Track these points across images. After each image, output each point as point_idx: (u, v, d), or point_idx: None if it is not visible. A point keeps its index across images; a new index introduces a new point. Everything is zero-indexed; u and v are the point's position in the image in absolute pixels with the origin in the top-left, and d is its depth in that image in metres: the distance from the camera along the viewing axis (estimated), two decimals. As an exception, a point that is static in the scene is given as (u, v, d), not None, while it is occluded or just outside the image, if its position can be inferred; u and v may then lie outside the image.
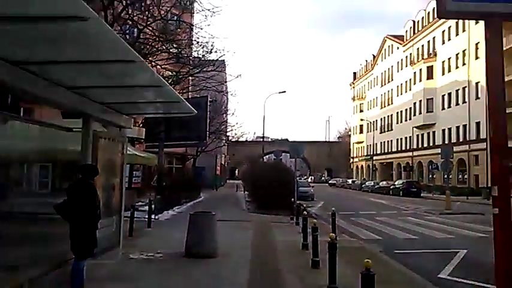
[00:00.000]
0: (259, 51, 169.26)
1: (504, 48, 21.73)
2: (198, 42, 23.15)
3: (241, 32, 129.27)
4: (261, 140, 47.84)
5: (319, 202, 27.68)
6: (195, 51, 25.95)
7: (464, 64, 44.64)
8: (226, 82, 29.94)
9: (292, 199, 16.79)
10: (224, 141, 53.17)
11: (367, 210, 22.17)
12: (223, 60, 25.89)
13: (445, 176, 38.86)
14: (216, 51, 23.06)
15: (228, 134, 51.50)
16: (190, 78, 27.77)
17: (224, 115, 45.15)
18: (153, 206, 16.18)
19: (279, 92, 39.79)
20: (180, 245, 8.54)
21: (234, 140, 63.12)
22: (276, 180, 18.88)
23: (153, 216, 15.17)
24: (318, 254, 7.43)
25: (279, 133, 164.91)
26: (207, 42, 21.67)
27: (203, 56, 24.69)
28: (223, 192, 39.75)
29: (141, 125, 25.66)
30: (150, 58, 21.24)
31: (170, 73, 24.83)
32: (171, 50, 24.12)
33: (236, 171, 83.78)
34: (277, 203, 19.10)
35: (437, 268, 7.97)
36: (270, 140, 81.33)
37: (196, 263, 7.71)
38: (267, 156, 55.43)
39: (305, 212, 11.45)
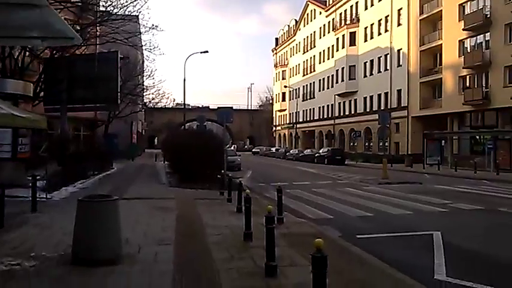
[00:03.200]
0: (178, 7, 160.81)
1: (423, 16, 20.93)
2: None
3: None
4: (182, 107, 44.46)
5: (247, 172, 25.66)
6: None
7: (386, 31, 44.53)
8: (140, 34, 26.05)
9: (222, 171, 14.35)
10: (140, 106, 48.89)
11: (300, 180, 20.47)
12: (137, 13, 22.17)
13: (381, 144, 38.95)
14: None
15: (144, 98, 47.30)
16: (97, 28, 23.66)
17: (139, 76, 40.93)
18: (44, 181, 12.83)
19: (201, 52, 36.37)
20: (71, 241, 5.74)
21: (151, 106, 58.85)
22: (203, 149, 16.26)
23: (43, 196, 11.86)
24: (275, 255, 5.07)
25: (199, 101, 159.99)
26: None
27: (112, 2, 20.84)
28: (140, 162, 36.21)
29: (37, 83, 21.41)
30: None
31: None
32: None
33: (155, 140, 79.35)
34: (204, 174, 16.58)
35: (424, 263, 6.07)
36: (190, 107, 77.72)
37: (85, 277, 4.96)
38: (189, 124, 52.18)
39: (244, 187, 9.07)
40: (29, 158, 14.54)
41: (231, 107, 16.30)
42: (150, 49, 24.74)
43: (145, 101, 50.60)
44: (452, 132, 34.32)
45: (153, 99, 48.65)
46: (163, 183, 17.66)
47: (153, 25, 24.64)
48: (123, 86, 35.46)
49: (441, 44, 35.66)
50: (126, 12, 20.85)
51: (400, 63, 41.91)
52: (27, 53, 21.02)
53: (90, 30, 22.90)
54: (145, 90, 44.56)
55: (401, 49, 41.75)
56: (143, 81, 44.73)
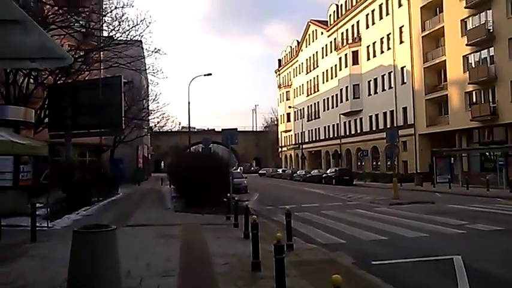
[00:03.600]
0: (181, 32, 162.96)
1: (425, 33, 20.50)
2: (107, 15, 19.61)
3: (162, 10, 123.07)
4: (187, 130, 44.47)
5: (254, 194, 25.21)
6: (106, 24, 22.04)
7: (389, 48, 44.48)
8: (143, 59, 26.06)
9: (228, 195, 13.98)
10: (146, 130, 48.84)
11: (308, 202, 20.00)
12: (140, 38, 22.24)
13: (389, 163, 38.35)
14: (131, 24, 19.57)
15: (150, 122, 47.29)
16: (100, 54, 23.72)
17: (144, 101, 40.97)
18: (47, 209, 12.51)
19: (205, 75, 36.47)
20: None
21: (157, 130, 58.92)
22: (208, 172, 15.93)
23: (45, 224, 11.53)
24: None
25: (205, 124, 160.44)
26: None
27: (114, 27, 20.89)
28: (146, 187, 35.87)
29: (41, 109, 21.31)
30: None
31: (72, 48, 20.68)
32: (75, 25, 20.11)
33: (162, 164, 79.15)
34: (210, 198, 16.20)
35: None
36: (196, 130, 77.82)
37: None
38: (194, 147, 52.01)
39: (251, 211, 8.68)
40: (31, 185, 14.25)
41: (236, 129, 16.04)
42: (154, 73, 24.65)
43: (150, 125, 50.65)
44: (461, 150, 33.76)
45: (158, 123, 48.69)
46: (168, 208, 17.28)
47: (155, 49, 24.66)
48: (128, 111, 35.49)
49: (445, 60, 35.45)
50: (129, 37, 20.83)
51: (405, 81, 41.69)
52: (31, 80, 21.04)
53: (93, 55, 22.96)
54: (150, 114, 44.60)
55: (404, 66, 41.60)
56: (148, 105, 44.81)
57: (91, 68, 24.72)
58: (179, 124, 75.73)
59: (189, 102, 37.05)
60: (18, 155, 12.62)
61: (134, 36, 20.54)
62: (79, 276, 5.05)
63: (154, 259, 7.39)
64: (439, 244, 9.25)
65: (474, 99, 32.63)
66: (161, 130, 62.51)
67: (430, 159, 37.39)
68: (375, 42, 47.19)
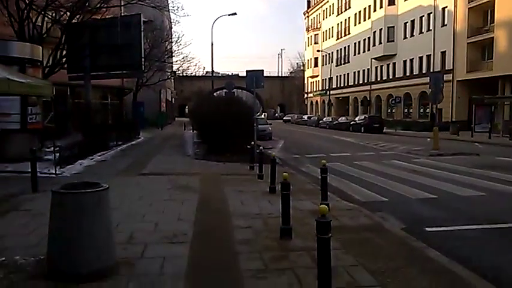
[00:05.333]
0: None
1: None
2: None
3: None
4: (211, 74, 42.90)
5: (279, 142, 23.91)
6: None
7: (430, -13, 40.71)
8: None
9: (252, 142, 12.69)
10: (169, 74, 47.51)
11: (338, 151, 18.58)
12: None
13: (422, 111, 35.89)
14: None
15: (173, 65, 45.79)
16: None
17: (167, 43, 39.25)
18: (54, 155, 11.57)
19: (229, 15, 34.22)
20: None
21: (180, 74, 57.56)
22: (231, 117, 14.62)
23: (54, 171, 10.59)
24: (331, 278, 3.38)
25: (229, 69, 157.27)
26: None
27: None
28: (169, 131, 35.04)
29: (57, 50, 20.19)
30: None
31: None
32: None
33: (186, 109, 78.49)
34: (233, 145, 15.01)
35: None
36: (220, 75, 76.05)
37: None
38: (218, 92, 50.65)
39: (278, 161, 7.38)
40: (41, 128, 13.28)
41: (262, 70, 14.38)
42: (174, 10, 22.88)
43: (174, 69, 49.25)
44: (504, 97, 31.15)
45: (181, 66, 47.15)
46: (189, 154, 16.22)
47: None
48: (150, 53, 34.09)
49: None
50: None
51: (445, 23, 38.35)
52: (47, 18, 19.79)
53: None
54: (173, 57, 43.03)
55: (446, 7, 38.09)
56: (171, 48, 43.17)
57: (109, 6, 23.21)
58: (203, 69, 74.11)
59: (212, 44, 35.43)
60: (25, 96, 11.53)
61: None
62: (59, 249, 3.91)
63: (165, 218, 6.26)
64: (501, 206, 7.80)
65: (525, 42, 29.60)
66: (185, 74, 61.08)
67: (467, 108, 35.06)
68: (415, -21, 43.27)
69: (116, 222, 5.82)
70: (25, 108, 12.24)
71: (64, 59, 21.28)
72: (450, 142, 22.99)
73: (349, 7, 58.79)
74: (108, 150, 16.74)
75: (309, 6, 77.03)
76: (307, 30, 75.61)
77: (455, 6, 36.52)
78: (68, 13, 19.52)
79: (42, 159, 12.07)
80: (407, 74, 44.05)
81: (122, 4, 22.60)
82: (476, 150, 18.49)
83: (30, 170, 10.61)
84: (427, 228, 6.12)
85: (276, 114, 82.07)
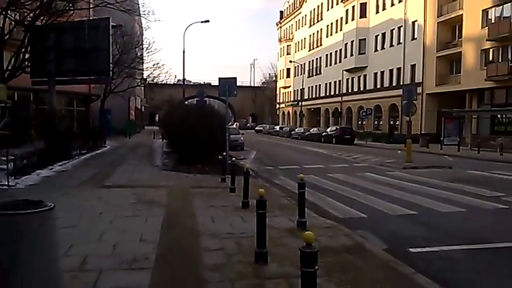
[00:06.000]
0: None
1: None
2: None
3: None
4: (182, 82, 42.12)
5: (251, 152, 23.43)
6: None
7: (400, 1, 41.47)
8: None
9: (224, 153, 12.14)
10: (139, 81, 46.41)
11: (311, 162, 18.24)
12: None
13: (392, 122, 35.92)
14: None
15: (143, 72, 44.74)
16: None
17: (137, 49, 38.30)
18: (14, 163, 10.67)
19: (201, 22, 33.70)
20: None
21: (151, 81, 56.50)
22: (202, 126, 14.04)
23: (7, 182, 9.70)
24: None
25: (201, 78, 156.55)
26: None
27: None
28: (137, 140, 34.00)
29: (19, 52, 19.14)
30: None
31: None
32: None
33: (156, 117, 77.09)
34: (204, 155, 14.43)
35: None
36: (192, 83, 75.20)
37: None
38: (189, 100, 49.85)
39: (250, 172, 6.86)
40: (4, 136, 12.28)
41: (235, 78, 13.91)
42: (144, 14, 22.22)
43: (144, 76, 48.16)
44: (472, 111, 31.84)
45: (151, 73, 46.17)
46: (156, 165, 15.47)
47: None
48: (120, 59, 33.10)
49: (462, 15, 32.80)
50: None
51: (415, 36, 39.11)
52: (9, 19, 18.77)
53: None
54: (143, 63, 42.04)
55: (416, 21, 38.87)
56: (142, 54, 42.20)
57: (76, 8, 22.32)
58: (175, 77, 73.18)
59: (184, 51, 34.60)
60: (-23, 99, 10.59)
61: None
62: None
63: (125, 238, 5.60)
64: (483, 223, 7.53)
65: (491, 58, 30.36)
66: (156, 82, 60.03)
67: (436, 120, 35.65)
68: (386, -6, 44.09)
69: (69, 243, 5.18)
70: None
71: (27, 63, 20.24)
72: (421, 154, 23.10)
73: (321, 19, 59.37)
74: (70, 160, 15.79)
75: (281, 17, 77.48)
76: (280, 41, 75.94)
77: (424, 20, 37.28)
78: (32, 14, 18.58)
79: (-5, 169, 11.14)
80: (378, 86, 44.62)
81: (90, 7, 21.72)
82: (447, 163, 18.54)
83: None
84: (410, 249, 5.72)
85: (248, 125, 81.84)
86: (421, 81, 37.67)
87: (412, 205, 8.70)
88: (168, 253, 5.04)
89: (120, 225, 6.31)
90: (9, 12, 18.34)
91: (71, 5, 20.82)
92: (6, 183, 9.56)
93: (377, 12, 45.58)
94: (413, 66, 39.27)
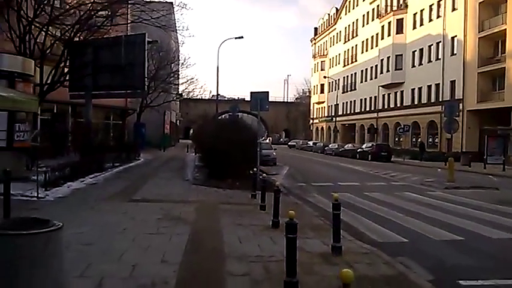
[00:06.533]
0: None
1: None
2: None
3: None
4: (216, 98, 42.37)
5: (284, 168, 22.94)
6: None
7: (439, 16, 40.37)
8: (173, 14, 23.96)
9: (255, 168, 11.75)
10: (174, 96, 47.06)
11: (346, 179, 17.56)
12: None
13: (430, 140, 34.94)
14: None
15: (178, 87, 45.38)
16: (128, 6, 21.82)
17: (173, 65, 38.86)
18: (46, 175, 10.68)
19: (236, 38, 33.75)
20: None
21: (186, 96, 57.43)
22: (234, 140, 13.73)
23: (36, 194, 9.65)
24: None
25: (234, 93, 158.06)
26: None
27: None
28: (171, 153, 34.20)
29: (57, 67, 19.64)
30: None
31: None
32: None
33: (191, 131, 78.04)
34: (235, 170, 14.07)
35: None
36: (226, 99, 75.86)
37: None
38: (223, 115, 50.10)
39: (282, 190, 6.41)
40: (30, 147, 12.41)
41: (267, 92, 13.58)
42: (179, 30, 22.45)
43: (179, 91, 48.92)
44: (519, 129, 30.16)
45: (186, 88, 46.81)
46: (187, 179, 15.24)
47: (181, 2, 22.54)
48: (156, 74, 33.63)
49: (505, 30, 31.44)
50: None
51: (455, 52, 37.80)
52: (49, 34, 19.36)
53: (118, 9, 21.02)
54: (178, 78, 42.68)
55: (455, 36, 37.62)
56: (177, 69, 42.85)
57: (114, 23, 22.85)
58: (210, 93, 74.29)
59: (218, 67, 34.76)
60: (12, 111, 10.71)
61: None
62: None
63: (146, 259, 5.26)
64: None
65: (538, 73, 28.83)
66: (191, 97, 61.01)
67: (477, 138, 34.08)
68: (423, 9, 43.02)
69: (86, 263, 4.87)
70: (12, 125, 11.39)
71: (65, 77, 20.73)
72: (463, 174, 21.89)
73: (356, 35, 58.73)
74: (103, 172, 15.82)
75: (316, 34, 77.27)
76: (314, 56, 75.63)
77: (465, 35, 36.01)
78: (72, 30, 19.07)
79: (29, 180, 11.18)
80: (416, 102, 43.31)
81: (128, 23, 22.12)
82: (492, 183, 17.39)
83: (13, 193, 9.73)
84: (460, 282, 5.07)
85: (281, 139, 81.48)
86: (461, 97, 36.20)
87: (457, 229, 7.97)
88: (189, 277, 4.65)
89: (142, 243, 5.98)
90: (49, 28, 18.91)
91: (109, 20, 21.34)
92: (36, 195, 9.50)
93: (414, 27, 44.53)
94: (452, 82, 37.90)
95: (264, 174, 10.82)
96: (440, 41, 39.88)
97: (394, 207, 10.64)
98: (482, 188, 15.10)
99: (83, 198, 10.08)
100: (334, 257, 5.49)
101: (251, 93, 13.74)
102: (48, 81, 19.04)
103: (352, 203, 10.93)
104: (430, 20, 41.83)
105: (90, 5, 18.88)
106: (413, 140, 43.56)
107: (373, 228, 8.07)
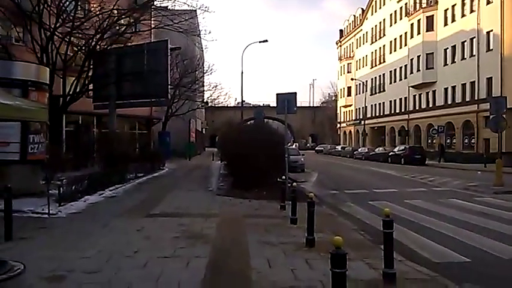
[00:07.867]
0: (239, 4, 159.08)
1: None
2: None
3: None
4: (241, 104, 41.73)
5: (313, 174, 21.80)
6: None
7: (472, 11, 38.41)
8: (196, 17, 23.42)
9: (283, 176, 10.76)
10: (199, 103, 46.63)
11: (381, 186, 16.29)
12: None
13: (466, 141, 33.22)
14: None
15: (203, 94, 44.90)
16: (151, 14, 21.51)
17: (196, 72, 38.38)
18: (60, 189, 9.99)
19: (260, 41, 32.94)
20: None
21: (211, 104, 57.03)
22: (260, 146, 12.76)
23: (49, 210, 8.94)
24: None
25: (259, 99, 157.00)
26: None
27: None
28: (196, 162, 33.60)
29: (79, 77, 19.33)
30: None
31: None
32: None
33: (216, 139, 77.76)
34: (261, 178, 13.12)
35: None
36: (251, 105, 75.26)
37: None
38: (248, 122, 49.35)
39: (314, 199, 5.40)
40: (45, 160, 11.80)
41: (295, 93, 12.57)
42: (200, 34, 21.85)
43: (204, 99, 48.48)
44: None
45: (211, 95, 46.30)
46: (211, 189, 14.37)
47: (203, 5, 22.04)
48: (181, 82, 33.20)
49: (546, 21, 29.50)
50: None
51: (491, 47, 35.76)
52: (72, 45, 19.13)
53: (141, 17, 20.66)
54: (203, 86, 42.20)
55: (491, 31, 35.60)
56: (202, 76, 42.41)
57: (137, 30, 22.53)
58: (235, 100, 73.97)
59: (242, 73, 33.96)
60: (25, 122, 10.13)
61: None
62: None
63: (157, 291, 4.34)
64: None
65: None
66: (216, 105, 60.67)
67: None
68: (455, 4, 41.02)
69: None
70: (25, 137, 10.80)
71: (88, 87, 20.41)
72: (509, 176, 20.23)
73: (384, 35, 57.02)
74: (123, 184, 15.14)
75: (341, 36, 75.77)
76: (340, 59, 74.12)
77: (502, 29, 34.01)
78: (93, 39, 18.72)
79: (45, 195, 10.54)
80: (449, 102, 41.30)
81: (150, 28, 21.68)
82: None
83: (24, 209, 9.08)
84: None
85: (308, 145, 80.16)
86: (499, 95, 34.14)
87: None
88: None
89: (154, 270, 5.06)
90: (71, 38, 18.62)
91: (131, 27, 20.96)
92: (47, 211, 8.79)
93: (445, 24, 42.60)
94: (489, 80, 35.84)
95: (294, 183, 9.79)
96: (474, 37, 37.88)
97: (441, 216, 9.41)
98: (536, 192, 13.61)
99: (97, 213, 9.31)
100: (387, 286, 4.43)
101: (277, 94, 12.76)
102: (71, 92, 18.73)
103: (393, 213, 9.73)
104: (463, 15, 39.87)
105: (111, 12, 18.51)
106: (448, 141, 41.51)
107: (424, 244, 6.92)
